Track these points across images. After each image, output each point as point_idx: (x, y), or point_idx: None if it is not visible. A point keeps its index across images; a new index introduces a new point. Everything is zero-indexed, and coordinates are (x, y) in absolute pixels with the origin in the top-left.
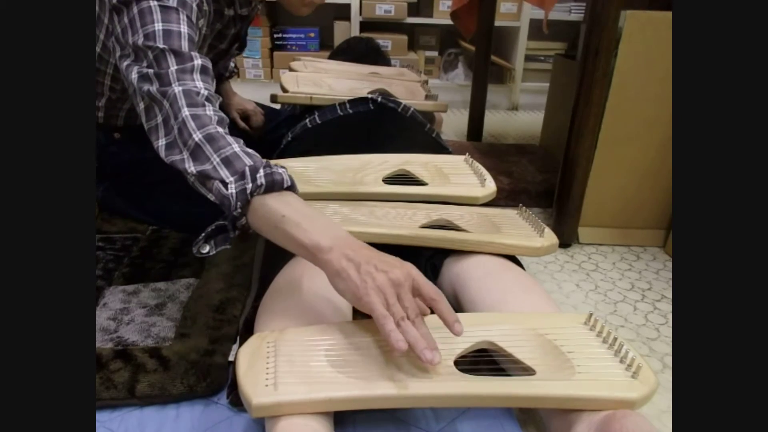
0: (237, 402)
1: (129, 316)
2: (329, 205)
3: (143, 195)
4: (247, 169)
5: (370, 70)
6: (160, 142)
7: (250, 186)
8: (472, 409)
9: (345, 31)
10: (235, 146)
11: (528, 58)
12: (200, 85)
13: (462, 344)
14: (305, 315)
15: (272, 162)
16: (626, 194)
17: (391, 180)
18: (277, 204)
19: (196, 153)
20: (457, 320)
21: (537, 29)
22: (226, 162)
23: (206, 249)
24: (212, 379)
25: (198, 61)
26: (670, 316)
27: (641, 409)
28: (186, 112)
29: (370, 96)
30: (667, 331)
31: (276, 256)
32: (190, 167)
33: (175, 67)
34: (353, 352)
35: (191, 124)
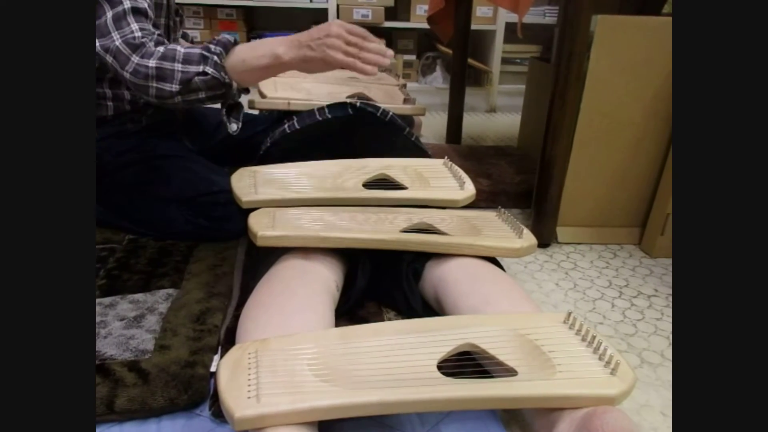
0: (219, 414)
1: (106, 330)
2: (310, 211)
3: (124, 201)
4: (202, 51)
5: (348, 74)
6: (129, 85)
7: (216, 58)
8: (456, 410)
9: None
10: (179, 48)
11: (504, 61)
12: (135, 26)
13: (444, 347)
14: (287, 323)
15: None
16: (602, 193)
17: (371, 185)
18: (235, 58)
19: (161, 75)
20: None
21: (513, 32)
22: (187, 61)
23: (234, 128)
24: (194, 391)
25: (127, 4)
26: (646, 312)
27: (621, 404)
28: (135, 59)
29: (348, 101)
30: (644, 327)
31: (256, 264)
32: (172, 87)
33: (110, 14)
34: (336, 360)
35: (143, 62)
